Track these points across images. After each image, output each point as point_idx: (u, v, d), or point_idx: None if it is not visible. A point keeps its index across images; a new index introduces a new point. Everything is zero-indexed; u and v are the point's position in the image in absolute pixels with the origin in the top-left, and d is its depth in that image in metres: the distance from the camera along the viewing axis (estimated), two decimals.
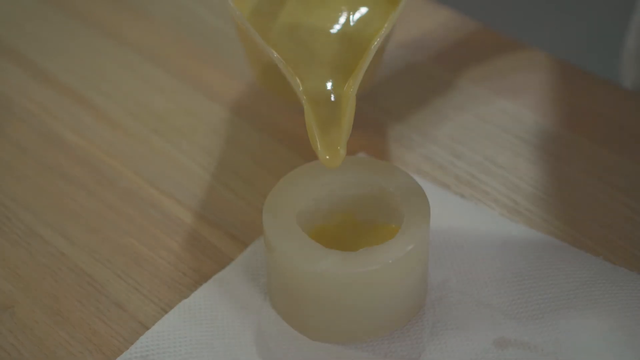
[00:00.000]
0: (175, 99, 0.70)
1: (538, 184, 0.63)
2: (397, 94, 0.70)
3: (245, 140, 0.67)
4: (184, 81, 0.71)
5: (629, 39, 0.83)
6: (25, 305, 0.58)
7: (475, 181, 0.64)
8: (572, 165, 0.65)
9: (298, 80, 0.56)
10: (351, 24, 0.59)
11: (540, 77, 0.71)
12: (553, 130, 0.67)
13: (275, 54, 0.56)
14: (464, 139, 0.67)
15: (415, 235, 0.54)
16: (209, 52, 0.74)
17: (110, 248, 0.60)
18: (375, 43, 0.56)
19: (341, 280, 0.53)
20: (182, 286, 0.58)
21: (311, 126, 0.55)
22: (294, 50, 0.58)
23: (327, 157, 0.54)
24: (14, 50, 0.74)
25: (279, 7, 0.60)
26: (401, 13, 0.58)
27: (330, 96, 0.56)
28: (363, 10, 0.60)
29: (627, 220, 0.61)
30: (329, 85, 0.56)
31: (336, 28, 0.59)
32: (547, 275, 0.57)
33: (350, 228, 0.57)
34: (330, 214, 0.57)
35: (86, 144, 0.67)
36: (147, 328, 0.56)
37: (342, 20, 0.59)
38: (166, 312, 0.57)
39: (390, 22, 0.57)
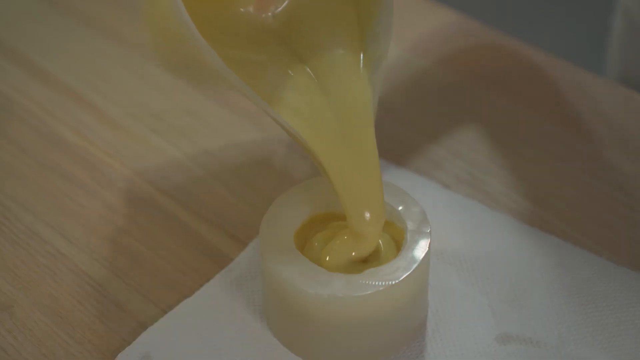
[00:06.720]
0: (175, 98, 0.70)
1: (537, 183, 0.63)
2: (397, 93, 0.70)
3: (245, 140, 0.67)
4: (184, 81, 0.71)
5: (613, 34, 0.84)
6: (24, 306, 0.57)
7: (475, 181, 0.64)
8: (572, 165, 0.65)
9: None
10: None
11: (540, 77, 0.71)
12: (553, 130, 0.67)
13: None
14: (464, 138, 0.67)
15: (417, 255, 0.53)
16: None
17: (110, 248, 0.60)
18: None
19: (346, 304, 0.51)
20: (182, 286, 0.58)
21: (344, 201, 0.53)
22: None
23: (363, 236, 0.53)
24: (14, 50, 0.74)
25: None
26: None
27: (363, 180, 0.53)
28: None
29: (627, 220, 0.61)
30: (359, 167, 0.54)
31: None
32: (549, 272, 0.57)
33: None
34: (327, 226, 0.56)
35: (86, 144, 0.67)
36: (147, 328, 0.56)
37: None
38: (166, 312, 0.57)
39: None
